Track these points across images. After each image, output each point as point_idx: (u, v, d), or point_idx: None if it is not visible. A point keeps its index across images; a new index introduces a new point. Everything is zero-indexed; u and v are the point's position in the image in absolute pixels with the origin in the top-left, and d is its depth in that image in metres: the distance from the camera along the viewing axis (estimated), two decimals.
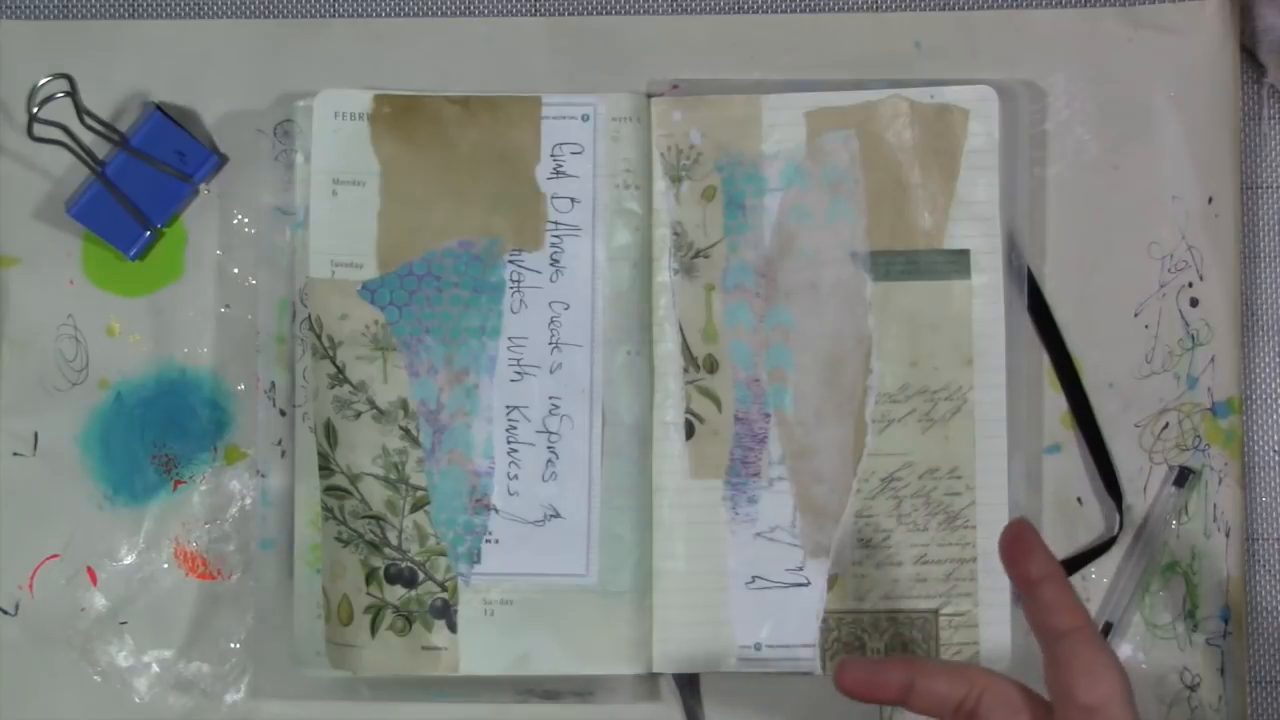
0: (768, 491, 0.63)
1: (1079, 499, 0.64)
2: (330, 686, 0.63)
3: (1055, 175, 0.64)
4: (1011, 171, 0.63)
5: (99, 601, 0.64)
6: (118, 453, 0.64)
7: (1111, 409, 0.64)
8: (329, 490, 0.63)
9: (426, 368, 0.63)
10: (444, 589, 0.62)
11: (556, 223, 0.63)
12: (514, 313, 0.63)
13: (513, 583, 0.62)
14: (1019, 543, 0.51)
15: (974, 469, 0.62)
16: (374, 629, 0.62)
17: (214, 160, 0.65)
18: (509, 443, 0.63)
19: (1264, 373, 0.65)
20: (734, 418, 0.63)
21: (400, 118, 0.63)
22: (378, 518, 0.62)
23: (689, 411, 0.63)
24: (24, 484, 0.64)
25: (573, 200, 0.63)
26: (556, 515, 0.62)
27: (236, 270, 0.65)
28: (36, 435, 0.64)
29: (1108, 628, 0.63)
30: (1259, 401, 0.65)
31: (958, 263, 0.63)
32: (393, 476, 0.62)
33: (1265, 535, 0.64)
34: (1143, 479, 0.64)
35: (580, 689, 0.63)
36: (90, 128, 0.62)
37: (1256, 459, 0.65)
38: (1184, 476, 0.63)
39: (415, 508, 0.62)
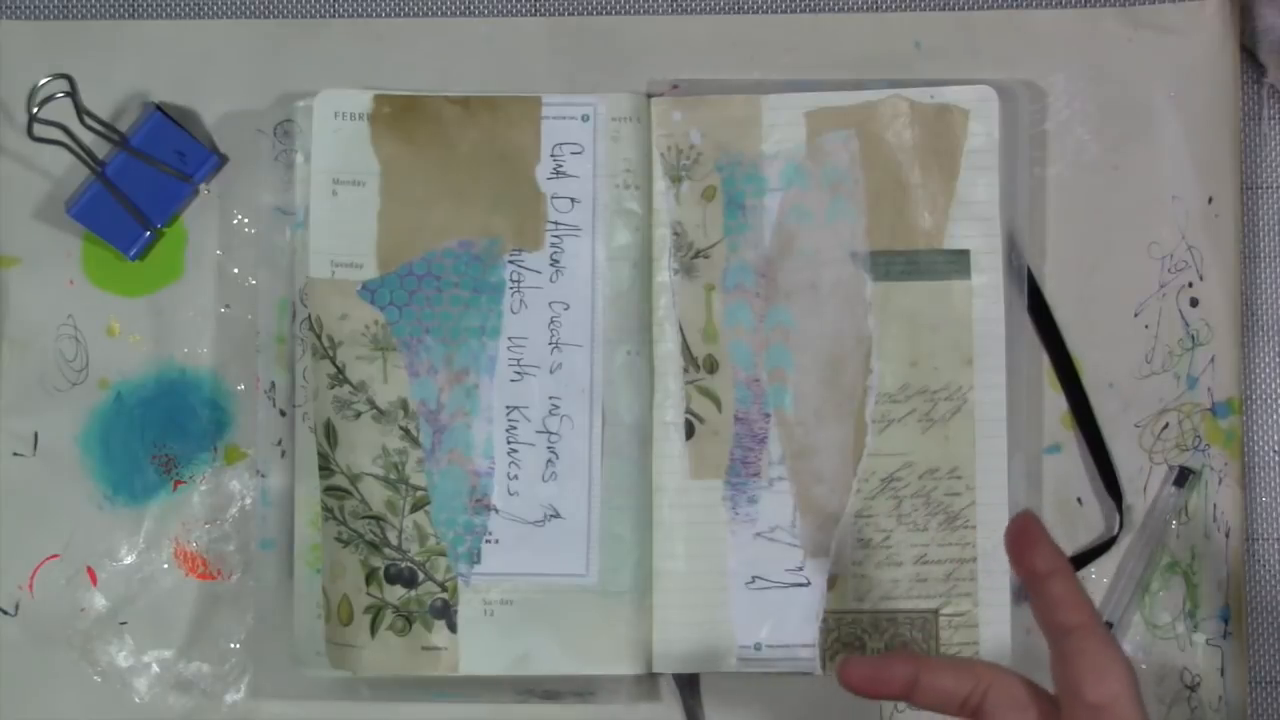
0: (768, 491, 0.63)
1: (1079, 499, 0.64)
2: (330, 686, 0.63)
3: (1055, 175, 0.64)
4: (1011, 171, 0.63)
5: (99, 601, 0.64)
6: (118, 453, 0.64)
7: (1111, 409, 0.64)
8: (329, 490, 0.63)
9: (426, 368, 0.63)
10: (444, 589, 0.62)
11: (556, 223, 0.63)
12: (514, 313, 0.63)
13: (513, 583, 0.62)
14: (1024, 536, 0.50)
15: (974, 469, 0.62)
16: (374, 629, 0.62)
17: (214, 160, 0.65)
18: (509, 443, 0.63)
19: (1264, 373, 0.65)
20: (734, 418, 0.63)
21: (400, 118, 0.63)
22: (378, 518, 0.62)
23: (689, 411, 0.63)
24: (24, 484, 0.64)
25: (573, 200, 0.63)
26: (556, 515, 0.62)
27: (236, 270, 0.65)
28: (36, 435, 0.64)
29: (1108, 627, 0.63)
30: (1259, 401, 0.65)
31: (958, 263, 0.63)
32: (393, 476, 0.62)
33: (1265, 535, 0.64)
34: (1143, 479, 0.64)
35: (580, 689, 0.63)
36: (90, 128, 0.62)
37: (1256, 459, 0.65)
38: (1184, 476, 0.63)
39: (415, 508, 0.62)
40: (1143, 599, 0.63)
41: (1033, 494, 0.63)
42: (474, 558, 0.62)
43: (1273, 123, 0.66)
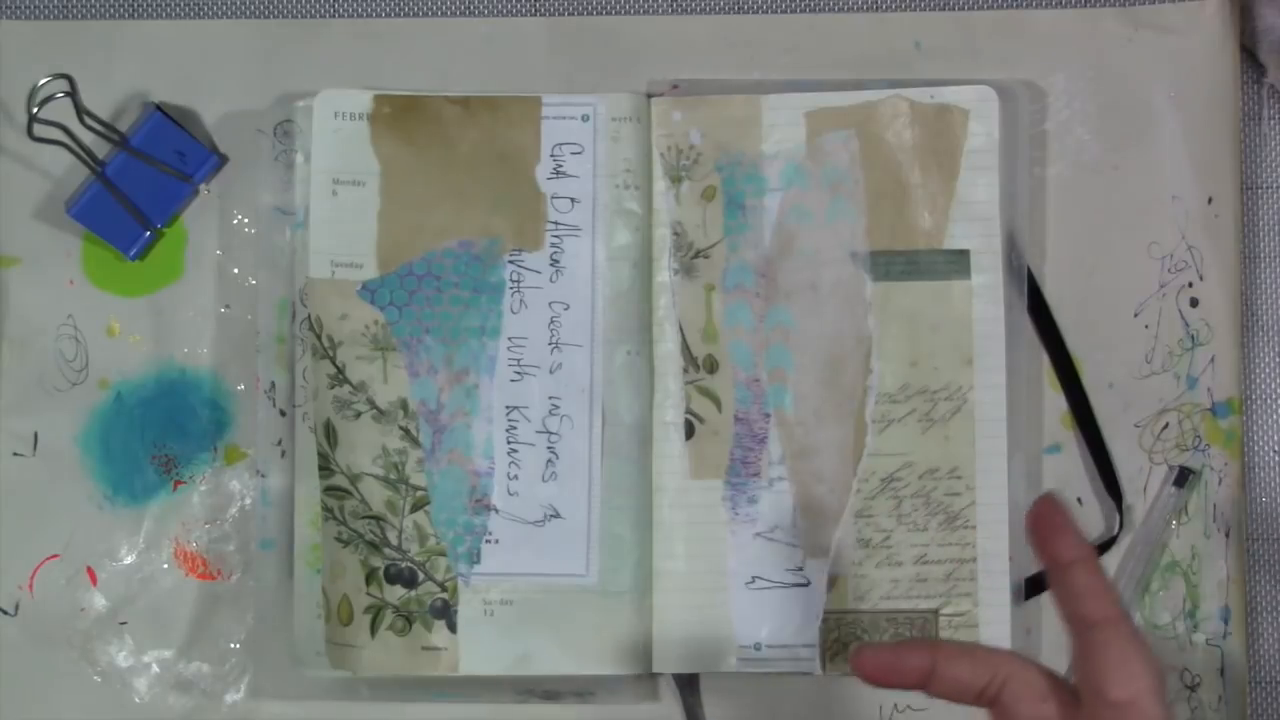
0: (768, 491, 0.63)
1: (1079, 499, 0.64)
2: (330, 686, 0.63)
3: (1055, 175, 0.64)
4: (1011, 171, 0.63)
5: (99, 601, 0.64)
6: (118, 453, 0.64)
7: (1111, 409, 0.64)
8: (329, 490, 0.63)
9: (426, 368, 0.63)
10: (444, 589, 0.62)
11: (556, 223, 0.63)
12: (514, 313, 0.63)
13: (513, 583, 0.62)
14: (1047, 522, 0.47)
15: (974, 469, 0.62)
16: (374, 629, 0.62)
17: (214, 160, 0.65)
18: (509, 443, 0.63)
19: (1264, 373, 0.65)
20: (734, 418, 0.63)
21: (400, 118, 0.63)
22: (378, 518, 0.62)
23: (689, 411, 0.63)
24: (24, 484, 0.64)
25: (573, 200, 0.63)
26: (556, 515, 0.62)
27: (236, 270, 0.65)
28: (36, 435, 0.64)
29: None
30: (1259, 401, 0.65)
31: (958, 263, 0.63)
32: (393, 476, 0.62)
33: (1265, 535, 0.64)
34: (1143, 479, 0.64)
35: (580, 689, 0.63)
36: (90, 128, 0.62)
37: (1256, 459, 0.65)
38: (1184, 476, 0.63)
39: (415, 508, 0.62)
40: (1143, 599, 0.63)
41: (1033, 494, 0.63)
42: (474, 558, 0.62)
43: (1273, 123, 0.66)
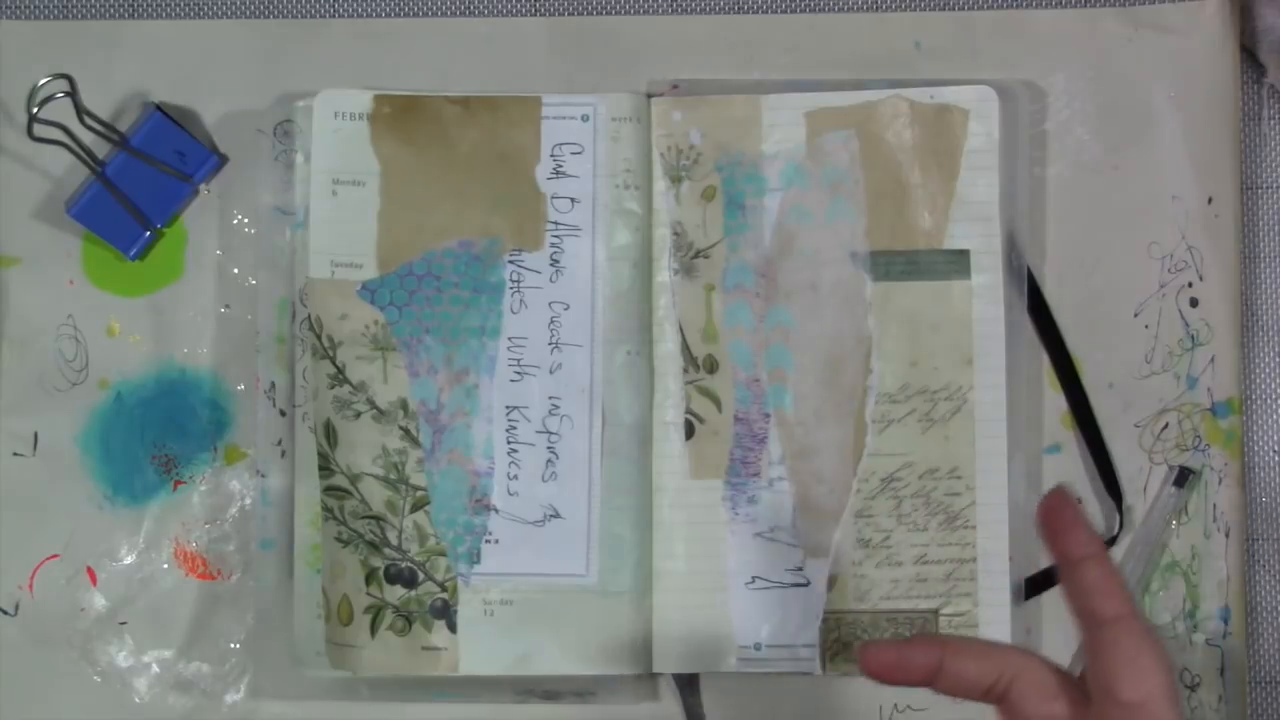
0: (768, 491, 0.63)
1: (1079, 499, 0.64)
2: (330, 686, 0.63)
3: (1055, 175, 0.64)
4: (1011, 171, 0.63)
5: (99, 601, 0.64)
6: (118, 453, 0.64)
7: (1111, 409, 0.64)
8: (329, 490, 0.63)
9: (426, 368, 0.63)
10: (444, 589, 0.62)
11: (556, 223, 0.63)
12: (514, 313, 0.63)
13: (513, 583, 0.62)
14: (1058, 516, 0.47)
15: (974, 469, 0.62)
16: (374, 629, 0.62)
17: (214, 160, 0.65)
18: (509, 443, 0.63)
19: (1264, 373, 0.65)
20: (734, 418, 0.63)
21: (400, 118, 0.63)
22: (378, 518, 0.62)
23: (689, 411, 0.63)
24: (24, 484, 0.64)
25: (573, 200, 0.63)
26: (556, 515, 0.62)
27: (236, 270, 0.65)
28: (36, 435, 0.64)
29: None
30: (1259, 401, 0.65)
31: (958, 263, 0.63)
32: (393, 476, 0.62)
33: (1265, 535, 0.64)
34: (1143, 479, 0.64)
35: (580, 689, 0.63)
36: (90, 128, 0.62)
37: (1256, 459, 0.65)
38: (1184, 476, 0.63)
39: (415, 508, 0.62)
40: (1143, 599, 0.63)
41: (1033, 494, 0.63)
42: (474, 558, 0.62)
43: (1273, 123, 0.66)
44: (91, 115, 0.62)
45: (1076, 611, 0.46)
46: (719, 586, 0.62)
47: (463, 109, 0.63)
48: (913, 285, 0.63)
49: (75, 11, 0.66)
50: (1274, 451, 0.65)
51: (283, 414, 0.64)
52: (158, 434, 0.64)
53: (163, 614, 0.64)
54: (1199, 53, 0.64)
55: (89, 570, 0.64)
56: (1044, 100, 0.64)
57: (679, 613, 0.62)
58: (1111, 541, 0.63)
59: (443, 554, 0.62)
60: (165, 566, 0.64)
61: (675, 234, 0.63)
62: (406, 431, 0.62)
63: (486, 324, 0.63)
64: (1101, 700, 0.45)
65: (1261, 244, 0.65)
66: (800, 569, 0.62)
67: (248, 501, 0.64)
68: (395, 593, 0.62)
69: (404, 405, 0.62)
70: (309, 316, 0.63)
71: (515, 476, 0.62)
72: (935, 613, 0.62)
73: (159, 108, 0.64)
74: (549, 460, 0.63)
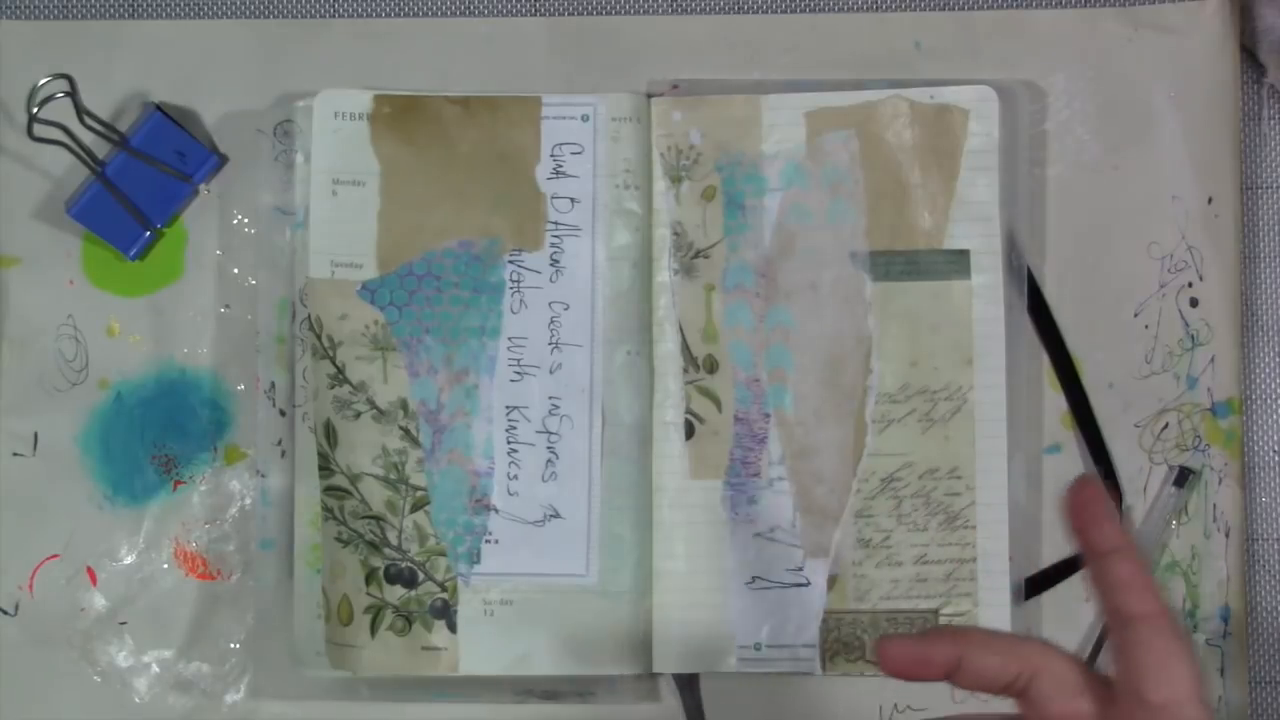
0: (768, 491, 0.63)
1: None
2: (330, 686, 0.63)
3: (1055, 175, 0.64)
4: (1011, 171, 0.63)
5: (99, 601, 0.64)
6: (118, 453, 0.64)
7: (1111, 409, 0.64)
8: (329, 490, 0.63)
9: (426, 368, 0.63)
10: (444, 589, 0.62)
11: (556, 223, 0.63)
12: (514, 313, 0.63)
13: (513, 583, 0.62)
14: (1087, 508, 0.45)
15: (974, 469, 0.62)
16: (374, 629, 0.62)
17: (214, 160, 0.65)
18: (509, 443, 0.63)
19: (1264, 373, 0.65)
20: (734, 418, 0.63)
21: (400, 118, 0.63)
22: (378, 518, 0.62)
23: (689, 411, 0.63)
24: (24, 484, 0.64)
25: (573, 200, 0.63)
26: (556, 515, 0.62)
27: (236, 270, 0.65)
28: (36, 435, 0.64)
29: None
30: (1259, 401, 0.65)
31: (958, 263, 0.63)
32: (393, 476, 0.62)
33: (1265, 535, 0.64)
34: (1143, 479, 0.64)
35: (580, 689, 0.63)
36: (90, 128, 0.62)
37: (1256, 459, 0.65)
38: (1184, 476, 0.63)
39: (415, 508, 0.62)
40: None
41: (1033, 494, 0.63)
42: (474, 558, 0.62)
43: (1273, 123, 0.66)
44: (91, 115, 0.62)
45: (1105, 608, 0.45)
46: (719, 586, 0.62)
47: (463, 109, 0.63)
48: (913, 285, 0.63)
49: (75, 11, 0.66)
50: (1274, 451, 0.65)
51: (283, 414, 0.64)
52: (158, 434, 0.64)
53: (163, 614, 0.64)
54: (1199, 53, 0.64)
55: (89, 570, 0.64)
56: (1044, 100, 0.64)
57: (679, 613, 0.62)
58: None
59: (443, 554, 0.62)
60: (165, 566, 0.64)
61: (675, 234, 0.63)
62: (406, 431, 0.62)
63: (486, 324, 0.63)
64: (1129, 700, 0.43)
65: (1261, 244, 0.65)
66: (800, 569, 0.62)
67: (248, 501, 0.64)
68: (395, 593, 0.62)
69: (404, 405, 0.62)
70: (309, 316, 0.63)
71: (515, 476, 0.62)
72: (935, 613, 0.62)
73: (159, 108, 0.64)
74: (549, 460, 0.63)
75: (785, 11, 0.66)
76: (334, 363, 0.63)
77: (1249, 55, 0.65)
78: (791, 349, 0.63)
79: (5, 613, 0.64)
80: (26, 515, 0.64)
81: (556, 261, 0.63)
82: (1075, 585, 0.63)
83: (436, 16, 0.66)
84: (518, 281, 0.63)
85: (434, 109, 0.63)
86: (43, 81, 0.60)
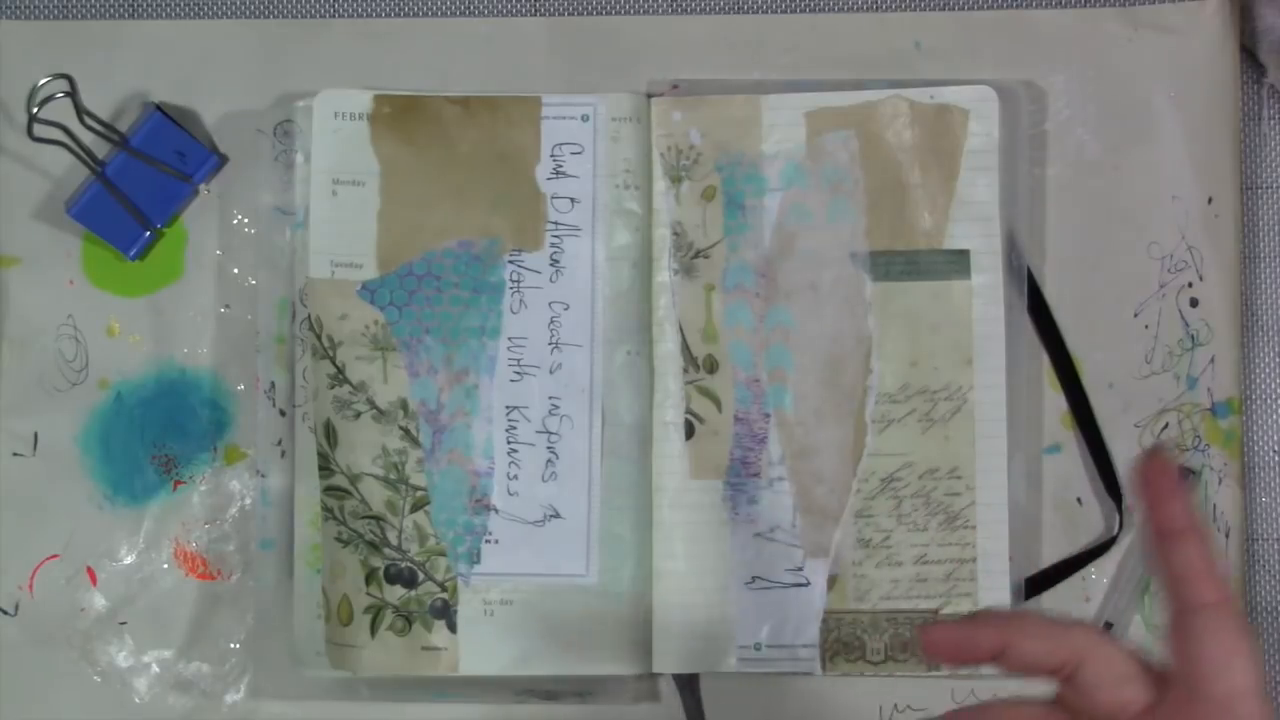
0: (768, 491, 0.63)
1: (1079, 499, 0.64)
2: (330, 686, 0.63)
3: (1055, 175, 0.64)
4: (1011, 171, 0.63)
5: (99, 601, 0.64)
6: (118, 453, 0.64)
7: (1111, 409, 0.64)
8: (329, 490, 0.63)
9: (426, 368, 0.63)
10: (444, 589, 0.62)
11: (556, 223, 0.63)
12: (514, 313, 0.63)
13: (513, 583, 0.62)
14: (1157, 481, 0.43)
15: (974, 469, 0.62)
16: (374, 629, 0.62)
17: (214, 160, 0.65)
18: (509, 443, 0.63)
19: (1264, 373, 0.65)
20: (734, 418, 0.63)
21: (400, 118, 0.63)
22: (378, 518, 0.62)
23: (689, 411, 0.63)
24: (24, 484, 0.64)
25: (573, 200, 0.63)
26: (556, 515, 0.62)
27: (236, 270, 0.65)
28: (36, 435, 0.64)
29: (1108, 627, 0.63)
30: (1259, 401, 0.65)
31: (958, 263, 0.63)
32: (393, 476, 0.62)
33: (1265, 535, 0.64)
34: None
35: (580, 689, 0.63)
36: (90, 128, 0.62)
37: (1256, 459, 0.65)
38: (1184, 476, 0.63)
39: (415, 508, 0.62)
40: (1142, 599, 0.63)
41: (1033, 494, 0.63)
42: (474, 558, 0.62)
43: (1273, 123, 0.66)
44: (91, 115, 0.62)
45: (1166, 592, 0.43)
46: (719, 586, 0.62)
47: (463, 109, 0.63)
48: (913, 285, 0.63)
49: (75, 11, 0.66)
50: (1274, 451, 0.65)
51: (283, 414, 0.64)
52: (158, 434, 0.64)
53: (163, 614, 0.64)
54: (1199, 53, 0.64)
55: (89, 570, 0.64)
56: (1044, 100, 0.64)
57: (679, 613, 0.62)
58: (1111, 541, 0.63)
59: (443, 554, 0.62)
60: (165, 566, 0.64)
61: (675, 234, 0.63)
62: (406, 431, 0.62)
63: (486, 324, 0.63)
64: (1186, 691, 0.41)
65: (1261, 244, 0.65)
66: (800, 569, 0.62)
67: (248, 501, 0.64)
68: (395, 593, 0.62)
69: (404, 405, 0.62)
70: (309, 316, 0.63)
71: (515, 476, 0.62)
72: (935, 613, 0.62)
73: (159, 108, 0.64)
74: (549, 460, 0.63)
75: (785, 11, 0.66)
76: (334, 363, 0.63)
77: (1249, 55, 0.65)
78: (791, 349, 0.63)
79: (5, 613, 0.64)
80: (26, 515, 0.64)
81: (556, 261, 0.63)
82: (1075, 585, 0.63)
83: (436, 16, 0.66)
84: (518, 281, 0.63)
85: (434, 109, 0.63)
86: (43, 81, 0.60)
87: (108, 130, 0.63)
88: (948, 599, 0.62)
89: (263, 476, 0.64)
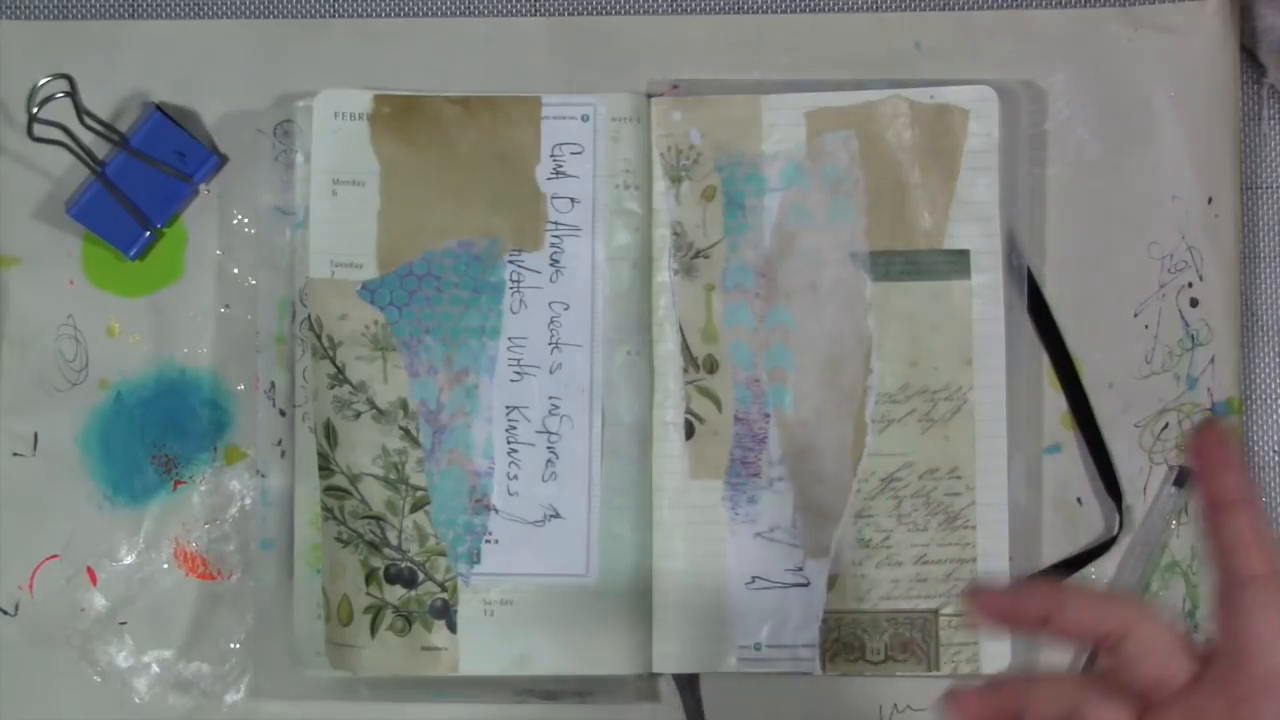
0: (768, 491, 0.63)
1: (1079, 499, 0.64)
2: (330, 686, 0.63)
3: (1055, 175, 0.64)
4: (1011, 171, 0.63)
5: (99, 601, 0.64)
6: (118, 453, 0.64)
7: (1111, 409, 0.64)
8: (329, 490, 0.63)
9: (426, 368, 0.63)
10: (444, 589, 0.62)
11: (556, 223, 0.63)
12: (514, 313, 0.63)
13: (513, 583, 0.62)
14: (1212, 452, 0.43)
15: (974, 469, 0.62)
16: (374, 629, 0.62)
17: (214, 160, 0.65)
18: (509, 443, 0.63)
19: (1264, 373, 0.65)
20: (734, 418, 0.63)
21: (400, 118, 0.63)
22: (378, 518, 0.62)
23: (689, 411, 0.63)
24: (24, 484, 0.64)
25: (573, 200, 0.63)
26: (556, 515, 0.62)
27: (236, 270, 0.65)
28: (36, 435, 0.64)
29: None
30: (1259, 401, 0.65)
31: (958, 263, 0.63)
32: (393, 476, 0.62)
33: None
34: (1143, 479, 0.64)
35: (580, 689, 0.63)
36: (90, 128, 0.62)
37: (1256, 459, 0.65)
38: (1184, 476, 0.63)
39: (415, 508, 0.62)
40: (1142, 599, 0.63)
41: (1033, 494, 0.63)
42: (474, 558, 0.62)
43: (1273, 123, 0.66)
44: (91, 115, 0.62)
45: (1218, 564, 0.42)
46: (719, 586, 0.62)
47: (463, 109, 0.63)
48: (913, 285, 0.63)
49: (75, 11, 0.66)
50: (1274, 451, 0.65)
51: (283, 414, 0.64)
52: (158, 434, 0.64)
53: (163, 614, 0.64)
54: (1199, 53, 0.64)
55: (89, 570, 0.64)
56: (1044, 100, 0.64)
57: (679, 613, 0.62)
58: (1111, 541, 0.63)
59: (443, 554, 0.62)
60: (165, 566, 0.64)
61: (675, 234, 0.63)
62: (406, 431, 0.62)
63: (486, 324, 0.63)
64: (1229, 667, 0.41)
65: (1261, 244, 0.65)
66: (800, 569, 0.62)
67: (248, 501, 0.64)
68: (395, 593, 0.62)
69: (404, 405, 0.62)
70: (309, 316, 0.63)
71: (515, 476, 0.62)
72: (935, 613, 0.62)
73: (159, 108, 0.64)
74: (549, 460, 0.63)
75: (785, 11, 0.66)
76: (334, 363, 0.63)
77: (1249, 55, 0.65)
78: (791, 349, 0.63)
79: (5, 613, 0.64)
80: (26, 515, 0.64)
81: (556, 261, 0.63)
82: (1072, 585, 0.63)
83: (436, 16, 0.66)
84: (518, 281, 0.63)
85: (434, 109, 0.63)
86: (43, 81, 0.60)
87: (108, 130, 0.63)
88: (948, 599, 0.62)
89: (263, 476, 0.64)
